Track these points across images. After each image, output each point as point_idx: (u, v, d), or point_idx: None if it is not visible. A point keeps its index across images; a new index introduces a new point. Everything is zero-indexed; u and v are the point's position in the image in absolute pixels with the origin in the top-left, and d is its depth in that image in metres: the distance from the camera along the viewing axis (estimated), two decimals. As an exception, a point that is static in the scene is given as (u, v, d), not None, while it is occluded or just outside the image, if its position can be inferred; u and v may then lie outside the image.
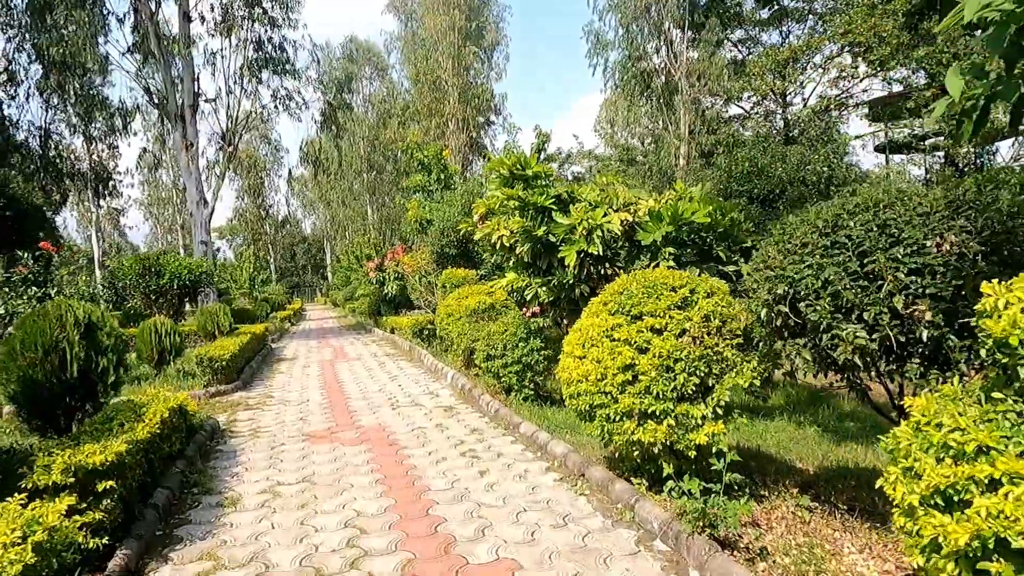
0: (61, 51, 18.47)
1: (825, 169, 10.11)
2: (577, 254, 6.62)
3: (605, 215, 6.66)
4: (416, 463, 5.51)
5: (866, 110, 31.29)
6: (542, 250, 7.33)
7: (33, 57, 26.61)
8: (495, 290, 10.98)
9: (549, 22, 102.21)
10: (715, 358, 4.11)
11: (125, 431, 4.36)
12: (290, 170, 20.60)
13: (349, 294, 44.59)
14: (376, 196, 58.42)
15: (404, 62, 35.97)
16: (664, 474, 4.17)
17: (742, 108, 38.99)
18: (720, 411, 4.06)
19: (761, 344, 4.20)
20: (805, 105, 32.78)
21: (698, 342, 4.13)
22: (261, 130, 68.15)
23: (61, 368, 5.43)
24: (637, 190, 8.13)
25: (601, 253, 6.56)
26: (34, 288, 10.30)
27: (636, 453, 4.27)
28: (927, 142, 28.73)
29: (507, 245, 7.55)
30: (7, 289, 10.31)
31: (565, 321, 8.31)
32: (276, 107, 19.97)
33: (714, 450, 3.99)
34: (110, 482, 3.65)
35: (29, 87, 27.02)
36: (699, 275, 4.90)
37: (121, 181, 38.86)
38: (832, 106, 29.92)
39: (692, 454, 4.05)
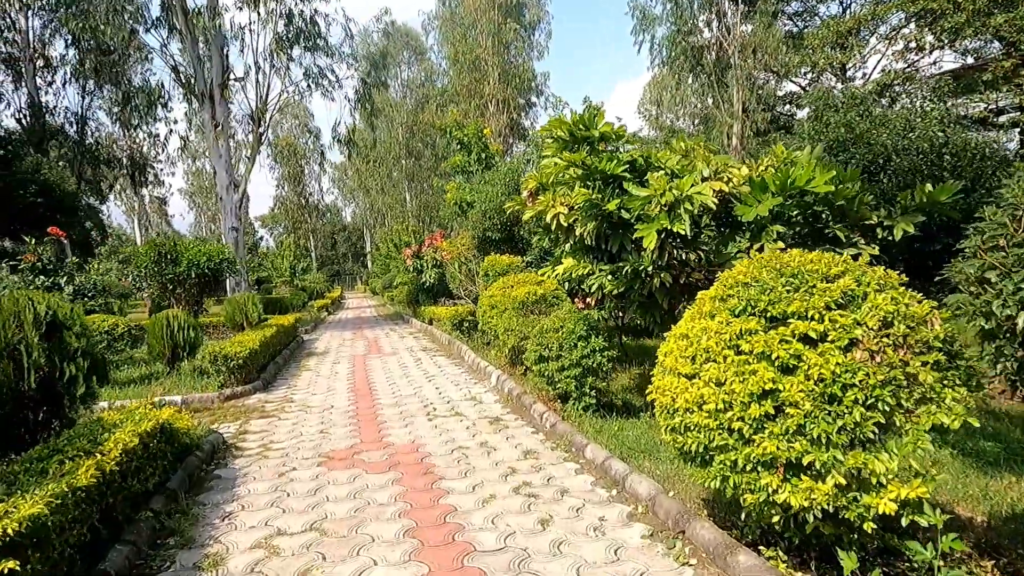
0: (81, 24, 17.74)
1: (940, 135, 8.46)
2: (657, 234, 5.24)
3: (693, 185, 5.26)
4: (457, 503, 4.27)
5: (935, 84, 28.71)
6: (608, 230, 5.98)
7: (69, 41, 26.29)
8: (545, 279, 9.71)
9: (584, 6, 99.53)
10: (904, 383, 2.73)
11: (65, 472, 3.21)
12: (322, 151, 18.85)
13: (387, 282, 43.84)
14: (414, 183, 57.70)
15: (442, 42, 34.72)
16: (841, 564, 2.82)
17: (797, 84, 36.66)
18: (915, 464, 2.69)
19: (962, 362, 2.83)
20: (867, 80, 30.56)
21: (877, 358, 2.76)
22: (301, 118, 68.01)
23: (18, 377, 4.36)
24: (725, 155, 6.70)
25: (688, 233, 5.18)
26: (42, 277, 9.46)
27: (777, 519, 2.93)
28: (1003, 118, 26.49)
29: (564, 225, 6.23)
30: (15, 277, 9.50)
31: (639, 320, 6.94)
32: (308, 86, 18.95)
33: (904, 521, 2.64)
34: (11, 563, 2.48)
35: (66, 73, 26.75)
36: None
37: (162, 170, 38.59)
38: (898, 80, 27.69)
39: (870, 527, 2.70)
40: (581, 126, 5.93)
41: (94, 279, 12.20)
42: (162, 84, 21.47)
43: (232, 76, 17.58)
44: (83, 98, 26.61)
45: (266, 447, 5.90)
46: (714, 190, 5.35)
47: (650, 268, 5.53)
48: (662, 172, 5.78)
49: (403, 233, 48.60)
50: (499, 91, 32.19)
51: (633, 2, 36.93)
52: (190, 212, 77.84)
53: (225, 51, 17.54)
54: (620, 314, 9.74)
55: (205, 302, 14.39)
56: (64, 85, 26.42)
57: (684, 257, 5.58)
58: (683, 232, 5.11)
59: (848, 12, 35.32)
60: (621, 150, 6.27)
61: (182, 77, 16.89)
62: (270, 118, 17.78)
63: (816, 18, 37.30)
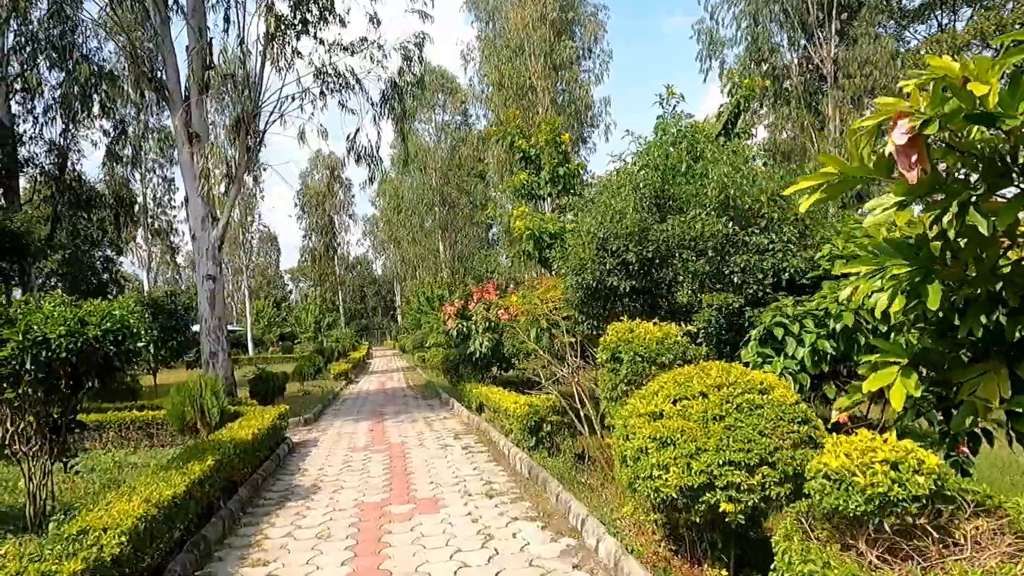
0: None
1: None
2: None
3: None
4: None
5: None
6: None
7: (55, 59, 22.31)
8: (766, 382, 4.46)
9: (639, 29, 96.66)
10: None
11: None
12: (333, 168, 13.80)
13: (418, 341, 38.56)
14: (449, 232, 53.45)
15: (484, 64, 30.35)
16: None
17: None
18: None
19: None
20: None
21: None
22: (327, 163, 64.67)
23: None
24: None
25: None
26: None
27: None
28: None
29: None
30: None
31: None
32: (322, 91, 14.18)
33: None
34: None
35: (50, 101, 22.72)
36: None
37: (160, 212, 34.51)
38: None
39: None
40: None
41: None
42: (112, 74, 16.71)
43: (217, 71, 12.85)
44: (66, 126, 22.45)
45: None
46: None
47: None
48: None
49: (436, 286, 43.80)
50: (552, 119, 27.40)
51: (699, 24, 32.43)
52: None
53: (208, 39, 12.89)
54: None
55: (89, 409, 9.30)
56: (45, 113, 22.34)
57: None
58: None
59: (948, 27, 30.36)
60: None
61: (141, 66, 12.20)
62: (265, 127, 12.97)
63: (908, 40, 32.36)
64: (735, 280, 5.79)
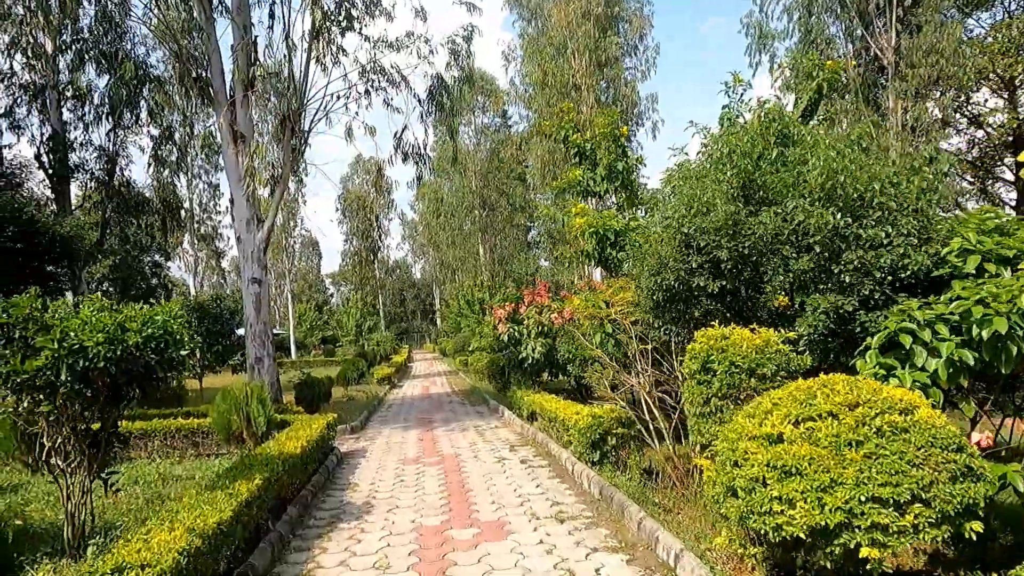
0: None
1: None
2: None
3: None
4: None
5: None
6: None
7: (103, 66, 22.55)
8: (907, 400, 3.68)
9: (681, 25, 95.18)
10: None
11: None
12: (379, 167, 13.32)
13: (460, 344, 38.15)
14: (488, 235, 53.16)
15: (526, 62, 29.76)
16: None
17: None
18: None
19: None
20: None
21: None
22: (367, 167, 64.94)
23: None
24: None
25: None
26: None
27: None
28: None
29: None
30: None
31: None
32: (367, 89, 13.77)
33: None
34: None
35: (99, 106, 22.95)
36: None
37: (207, 217, 34.83)
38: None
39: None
40: None
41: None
42: (159, 79, 16.66)
43: (262, 70, 12.55)
44: (114, 132, 22.65)
45: None
46: None
47: None
48: None
49: (476, 289, 43.38)
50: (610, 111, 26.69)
51: (747, 18, 31.23)
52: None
53: (252, 37, 12.60)
54: None
55: (129, 422, 8.96)
56: (96, 120, 22.56)
57: None
58: None
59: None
60: None
61: (188, 66, 11.95)
62: (310, 126, 12.60)
63: (971, 21, 30.56)
64: (846, 280, 5.04)
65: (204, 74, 12.31)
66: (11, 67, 21.57)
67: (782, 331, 5.24)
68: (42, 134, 21.66)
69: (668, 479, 7.06)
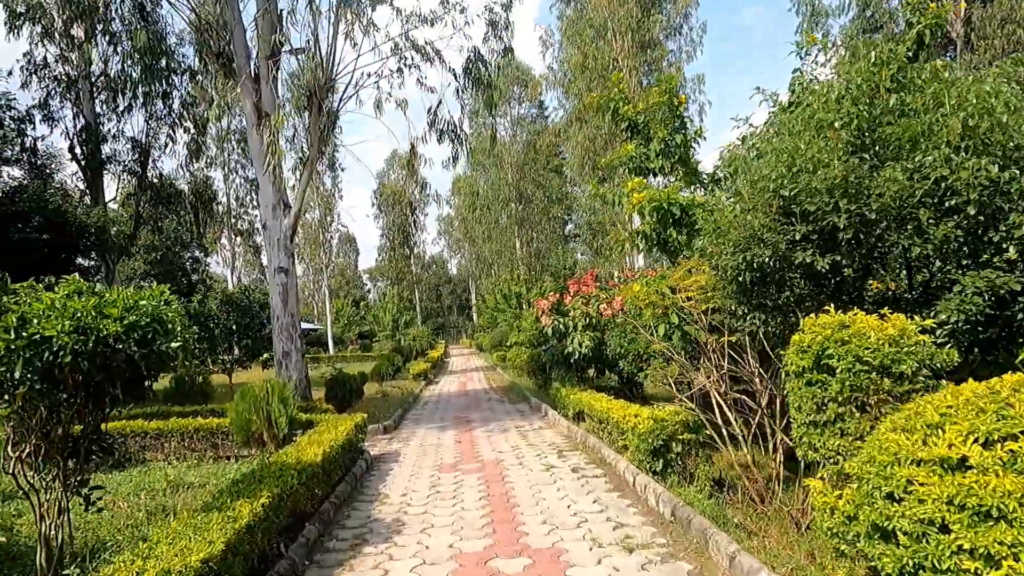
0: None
1: None
2: None
3: None
4: None
5: None
6: None
7: (135, 59, 22.20)
8: None
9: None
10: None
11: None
12: (412, 145, 12.58)
13: (497, 339, 37.22)
14: (524, 228, 52.20)
15: (565, 45, 28.58)
16: None
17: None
18: None
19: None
20: None
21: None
22: (401, 162, 64.39)
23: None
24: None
25: None
26: None
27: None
28: None
29: None
30: None
31: None
32: (399, 68, 12.83)
33: None
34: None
35: (132, 96, 22.59)
36: None
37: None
38: None
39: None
40: None
41: None
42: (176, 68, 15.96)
43: (287, 48, 11.72)
44: (147, 123, 22.28)
45: None
46: None
47: None
48: None
49: (512, 283, 42.41)
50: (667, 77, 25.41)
51: (799, -5, 29.51)
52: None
53: (279, 10, 11.78)
54: None
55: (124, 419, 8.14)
56: (127, 111, 22.20)
57: None
58: None
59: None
60: None
61: (209, 40, 11.18)
62: (339, 105, 11.72)
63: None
64: (1009, 250, 3.87)
65: (227, 48, 11.53)
66: (44, 59, 21.36)
67: (915, 318, 4.09)
68: (75, 126, 21.40)
69: (744, 492, 6.00)
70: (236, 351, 15.10)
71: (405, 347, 34.53)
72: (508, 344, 28.94)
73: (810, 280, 5.00)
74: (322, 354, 50.82)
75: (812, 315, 4.31)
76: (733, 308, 5.65)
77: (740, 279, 5.19)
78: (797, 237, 4.53)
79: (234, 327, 14.86)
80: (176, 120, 22.56)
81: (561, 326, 11.71)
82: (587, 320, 11.32)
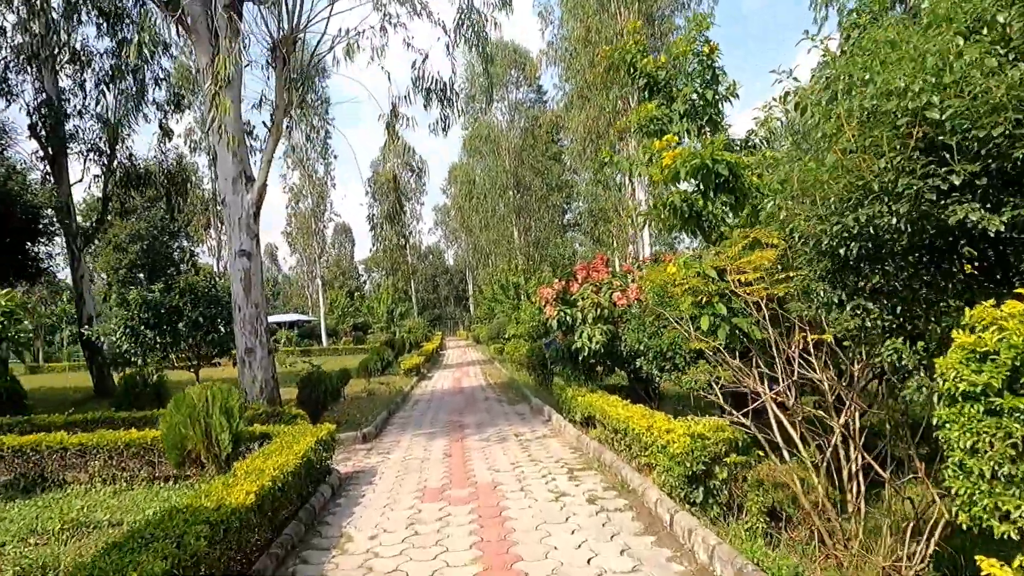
0: None
1: None
2: None
3: None
4: None
5: None
6: None
7: (104, 30, 20.48)
8: None
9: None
10: None
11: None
12: (394, 105, 10.99)
13: (494, 331, 35.60)
14: (522, 217, 50.66)
15: (567, 18, 26.82)
16: None
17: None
18: None
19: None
20: None
21: None
22: (401, 154, 62.53)
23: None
24: None
25: None
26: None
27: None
28: None
29: None
30: None
31: None
32: (383, 24, 11.17)
33: None
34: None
35: (100, 71, 20.85)
36: None
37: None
38: None
39: None
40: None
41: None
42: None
43: (251, -5, 10.05)
44: (115, 100, 20.52)
45: None
46: None
47: None
48: None
49: (510, 273, 40.79)
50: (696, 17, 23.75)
51: (813, -33, 27.77)
52: (292, 255, 74.56)
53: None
54: None
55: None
56: (95, 86, 20.44)
57: None
58: None
59: None
60: None
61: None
62: (311, 60, 10.03)
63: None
64: None
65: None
66: (2, 27, 19.58)
67: None
68: (36, 100, 19.65)
69: (814, 532, 4.60)
70: (203, 346, 13.50)
71: (397, 340, 32.92)
72: (506, 336, 27.42)
73: (968, 250, 3.39)
74: (315, 346, 49.30)
75: (983, 302, 2.73)
76: (822, 294, 4.06)
77: (840, 252, 3.60)
78: (957, 182, 2.93)
79: (200, 319, 13.24)
80: (144, 96, 20.78)
81: (568, 318, 10.11)
82: (598, 311, 9.74)
